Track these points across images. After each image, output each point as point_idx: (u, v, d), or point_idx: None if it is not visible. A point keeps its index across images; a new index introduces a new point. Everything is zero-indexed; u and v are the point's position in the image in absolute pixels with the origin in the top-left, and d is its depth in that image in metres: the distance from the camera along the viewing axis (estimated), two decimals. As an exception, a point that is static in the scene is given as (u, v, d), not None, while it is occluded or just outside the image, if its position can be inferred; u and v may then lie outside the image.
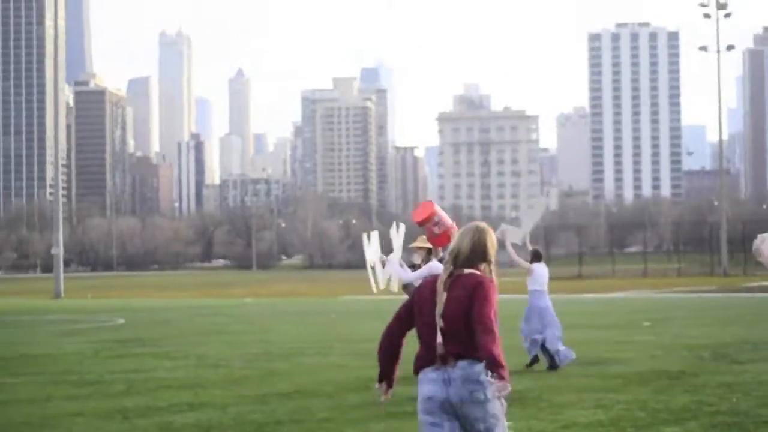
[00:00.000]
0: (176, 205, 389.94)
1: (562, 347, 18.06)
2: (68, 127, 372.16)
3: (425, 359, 7.03)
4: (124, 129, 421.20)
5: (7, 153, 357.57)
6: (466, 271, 7.10)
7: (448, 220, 12.93)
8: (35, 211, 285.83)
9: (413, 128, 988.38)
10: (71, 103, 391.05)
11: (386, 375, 7.29)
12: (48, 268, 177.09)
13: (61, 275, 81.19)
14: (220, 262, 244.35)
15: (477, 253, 7.14)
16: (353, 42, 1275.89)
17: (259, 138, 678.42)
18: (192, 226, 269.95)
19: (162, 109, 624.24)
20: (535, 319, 18.26)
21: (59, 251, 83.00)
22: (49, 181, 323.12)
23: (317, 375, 18.36)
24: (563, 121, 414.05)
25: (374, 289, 14.62)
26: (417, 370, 7.08)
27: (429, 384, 6.96)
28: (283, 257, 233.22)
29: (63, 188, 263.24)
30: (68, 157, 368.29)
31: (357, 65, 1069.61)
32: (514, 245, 18.45)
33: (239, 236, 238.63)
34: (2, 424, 13.01)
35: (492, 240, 7.25)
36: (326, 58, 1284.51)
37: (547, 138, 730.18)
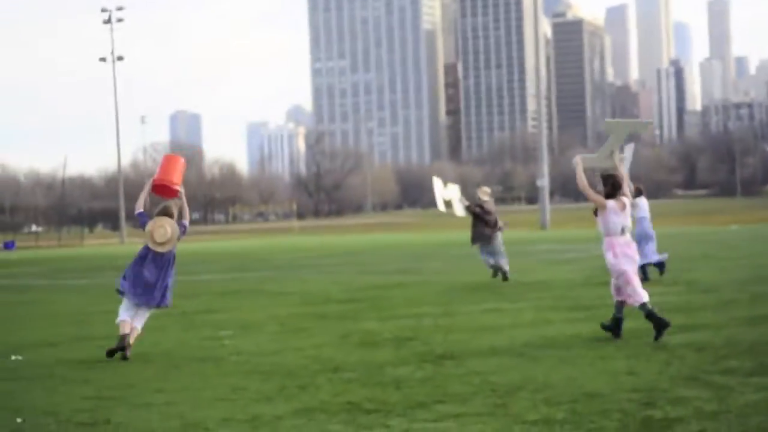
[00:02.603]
0: (657, 132, 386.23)
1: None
2: (547, 59, 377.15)
3: None
4: (602, 58, 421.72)
5: (489, 87, 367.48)
6: None
7: (172, 175, 13.57)
8: (518, 144, 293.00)
9: None
10: (549, 35, 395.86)
11: None
12: (532, 199, 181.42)
13: (547, 206, 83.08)
14: (703, 191, 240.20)
15: None
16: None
17: (740, 61, 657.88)
18: (674, 153, 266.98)
19: (640, 37, 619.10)
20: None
21: (544, 183, 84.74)
22: (530, 114, 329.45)
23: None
24: None
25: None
26: None
27: None
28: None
29: (545, 120, 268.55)
30: (548, 88, 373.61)
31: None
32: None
33: (722, 163, 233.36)
34: (505, 346, 13.82)
35: None
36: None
37: None
